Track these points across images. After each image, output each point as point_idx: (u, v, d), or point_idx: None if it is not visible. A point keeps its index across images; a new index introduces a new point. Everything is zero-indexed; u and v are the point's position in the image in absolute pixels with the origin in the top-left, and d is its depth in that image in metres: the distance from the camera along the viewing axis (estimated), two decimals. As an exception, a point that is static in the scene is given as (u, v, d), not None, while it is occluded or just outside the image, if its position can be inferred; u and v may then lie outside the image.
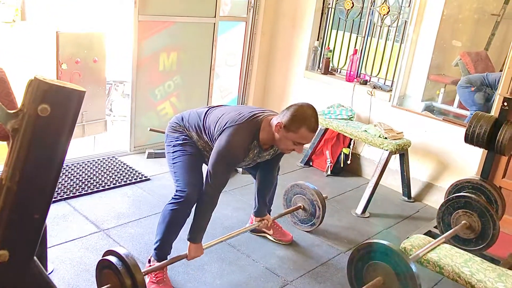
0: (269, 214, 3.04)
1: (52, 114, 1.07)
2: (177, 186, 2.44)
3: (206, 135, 2.41)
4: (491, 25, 3.74)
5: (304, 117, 2.18)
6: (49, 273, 2.42)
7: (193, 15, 4.12)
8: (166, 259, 2.51)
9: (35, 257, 1.26)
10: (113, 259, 1.95)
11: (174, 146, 2.49)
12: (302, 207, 3.08)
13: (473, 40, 4.10)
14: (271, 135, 2.27)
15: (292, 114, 2.18)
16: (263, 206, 2.79)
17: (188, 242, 2.40)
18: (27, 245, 1.22)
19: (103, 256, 2.04)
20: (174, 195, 2.44)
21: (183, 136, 2.50)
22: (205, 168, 2.40)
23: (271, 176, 2.72)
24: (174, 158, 2.47)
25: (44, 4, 4.65)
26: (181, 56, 4.17)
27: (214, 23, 4.27)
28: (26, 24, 4.50)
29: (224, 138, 2.23)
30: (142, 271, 2.03)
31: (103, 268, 2.00)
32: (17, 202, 1.13)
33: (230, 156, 2.25)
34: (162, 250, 2.49)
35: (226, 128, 2.26)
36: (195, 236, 2.39)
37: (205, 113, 2.45)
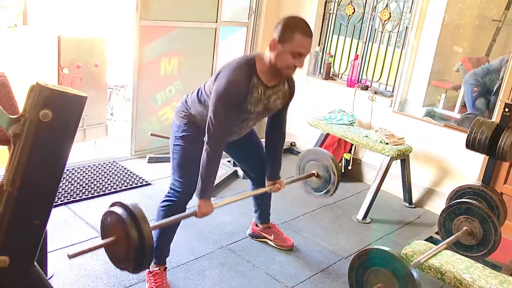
0: (268, 221, 3.04)
1: (54, 119, 1.07)
2: (172, 183, 2.45)
3: (207, 95, 2.32)
4: (492, 31, 3.74)
5: (294, 23, 2.13)
6: (49, 278, 2.41)
7: (194, 20, 4.13)
8: (165, 262, 2.51)
9: (35, 263, 1.25)
10: (119, 210, 1.79)
11: (175, 138, 2.44)
12: (316, 174, 2.85)
13: (474, 45, 4.11)
14: (268, 63, 2.19)
15: (282, 25, 2.14)
16: (275, 167, 2.64)
17: (197, 199, 2.30)
18: (28, 251, 1.22)
19: (108, 208, 1.89)
20: (168, 193, 2.46)
21: (184, 125, 2.42)
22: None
23: (280, 127, 2.61)
24: (174, 152, 2.44)
25: (46, 9, 4.66)
26: (183, 61, 4.17)
27: (216, 28, 4.27)
28: (28, 29, 4.51)
29: (221, 78, 2.17)
30: (151, 225, 1.83)
31: (108, 220, 1.85)
32: (18, 207, 1.13)
33: (230, 94, 2.15)
34: (160, 252, 2.48)
35: (222, 70, 2.22)
36: (204, 191, 2.28)
37: (203, 83, 2.43)
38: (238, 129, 2.40)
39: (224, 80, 2.14)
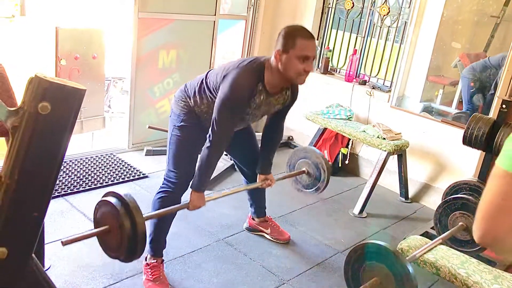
0: (265, 215, 3.05)
1: (52, 112, 1.07)
2: (166, 173, 2.47)
3: (208, 91, 2.34)
4: (490, 27, 3.74)
5: (294, 29, 2.18)
6: (46, 270, 2.42)
7: (193, 12, 4.11)
8: (162, 254, 2.52)
9: (33, 255, 1.26)
10: (112, 199, 1.80)
11: (173, 127, 2.44)
12: (306, 171, 2.87)
13: (472, 41, 4.11)
14: (276, 73, 2.22)
15: (282, 35, 2.18)
16: (267, 162, 2.68)
17: (191, 191, 2.32)
18: (26, 243, 1.22)
19: (102, 198, 1.90)
20: (162, 184, 2.47)
21: (183, 115, 2.42)
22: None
23: (278, 126, 2.65)
24: (170, 142, 2.46)
25: (44, 0, 4.63)
26: (181, 53, 4.16)
27: (214, 21, 4.26)
28: (26, 20, 4.48)
29: (228, 81, 2.18)
30: (144, 216, 1.85)
31: (101, 209, 1.86)
32: (16, 199, 1.13)
33: (235, 99, 2.18)
34: (156, 243, 2.49)
35: (230, 72, 2.22)
36: (199, 185, 2.31)
37: (207, 72, 2.43)
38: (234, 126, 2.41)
39: (231, 83, 2.17)
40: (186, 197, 2.46)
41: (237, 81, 2.17)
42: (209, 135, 2.25)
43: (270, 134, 2.65)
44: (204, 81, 2.38)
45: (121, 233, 1.74)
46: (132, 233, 1.74)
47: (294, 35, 2.14)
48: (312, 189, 2.89)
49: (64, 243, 1.70)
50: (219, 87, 2.24)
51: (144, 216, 1.84)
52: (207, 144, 2.25)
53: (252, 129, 2.77)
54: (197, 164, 2.33)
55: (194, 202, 2.31)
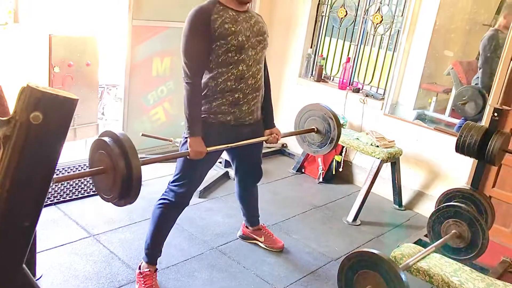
0: (258, 224, 3.04)
1: (45, 122, 1.07)
2: (171, 181, 2.43)
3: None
4: (482, 35, 3.78)
5: None
6: (38, 279, 2.40)
7: (187, 20, 4.11)
8: (156, 263, 2.51)
9: (23, 265, 1.25)
10: (107, 139, 1.72)
11: (184, 138, 2.37)
12: (315, 129, 2.74)
13: (464, 50, 4.14)
14: None
15: None
16: (268, 115, 2.60)
17: (188, 139, 2.26)
18: (16, 253, 1.21)
19: (98, 136, 1.82)
20: (165, 192, 2.44)
21: None
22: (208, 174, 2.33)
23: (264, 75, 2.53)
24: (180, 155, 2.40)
25: (38, 7, 4.63)
26: (175, 61, 4.16)
27: (208, 29, 4.26)
28: (19, 27, 4.47)
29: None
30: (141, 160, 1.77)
31: (97, 150, 1.77)
32: (7, 209, 1.12)
33: (193, 22, 2.18)
34: (152, 251, 2.48)
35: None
36: (192, 128, 2.24)
37: None
38: (245, 65, 2.31)
39: (188, 17, 2.20)
40: (186, 212, 2.46)
41: (192, 12, 2.21)
42: (182, 74, 2.23)
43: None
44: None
45: (116, 173, 1.67)
46: (127, 173, 1.66)
47: None
48: (327, 145, 2.76)
49: (56, 180, 1.61)
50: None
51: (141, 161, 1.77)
52: (184, 85, 2.23)
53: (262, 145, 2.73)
54: (184, 108, 2.26)
55: (193, 147, 2.22)
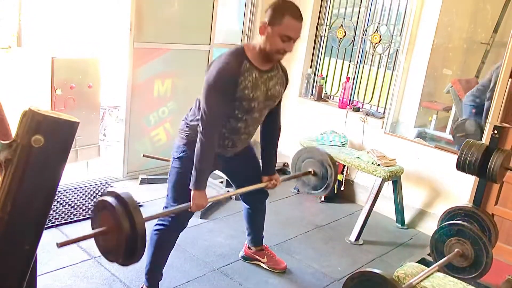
0: (262, 244, 3.02)
1: (46, 145, 1.08)
2: (165, 206, 2.44)
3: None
4: (480, 53, 3.82)
5: (285, 6, 2.15)
6: (39, 302, 2.37)
7: (188, 42, 4.17)
8: (157, 286, 2.49)
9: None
10: (110, 199, 1.71)
11: (173, 159, 2.41)
12: (312, 172, 2.77)
13: (463, 68, 4.18)
14: (258, 48, 2.20)
15: (272, 8, 2.16)
16: (271, 162, 2.63)
17: (191, 190, 2.24)
18: (17, 276, 1.21)
19: (99, 197, 1.82)
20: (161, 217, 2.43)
21: (183, 145, 2.38)
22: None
23: (275, 121, 2.57)
24: (170, 174, 2.42)
25: (40, 30, 4.69)
26: (176, 82, 4.20)
27: (209, 50, 4.31)
28: (22, 50, 4.53)
29: (211, 69, 2.17)
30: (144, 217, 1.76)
31: (99, 211, 1.77)
32: (8, 232, 1.13)
33: (220, 80, 2.13)
34: (152, 275, 2.46)
35: (211, 65, 2.22)
36: (198, 182, 2.23)
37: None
38: (244, 125, 2.34)
39: (213, 69, 2.15)
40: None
41: (220, 65, 2.15)
42: (199, 125, 2.20)
43: (269, 132, 2.60)
44: (198, 101, 2.35)
45: (120, 234, 1.65)
46: (131, 233, 1.65)
47: (283, 12, 2.12)
48: (321, 189, 2.79)
49: (60, 245, 1.63)
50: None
51: (144, 217, 1.76)
52: (198, 135, 2.20)
53: (254, 152, 2.72)
54: (194, 160, 2.24)
55: (196, 200, 2.22)
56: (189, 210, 2.24)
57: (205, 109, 2.16)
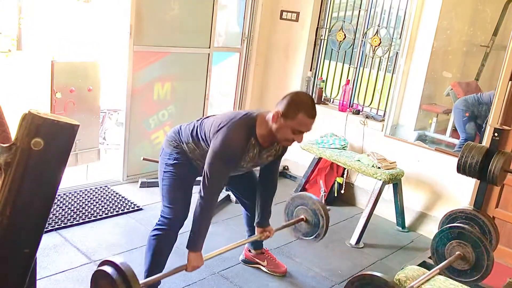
0: (262, 247, 3.01)
1: (45, 148, 1.07)
2: (162, 210, 2.45)
3: (202, 141, 2.33)
4: (480, 56, 3.82)
5: (301, 102, 2.15)
6: (38, 306, 2.36)
7: (188, 45, 4.17)
8: (156, 292, 2.48)
9: (24, 292, 1.24)
10: (108, 269, 1.82)
11: (166, 165, 2.44)
12: (304, 219, 2.86)
13: (463, 71, 4.18)
14: (268, 129, 2.21)
15: (288, 101, 2.15)
16: (265, 214, 2.65)
17: (187, 251, 2.27)
18: (16, 280, 1.20)
19: (98, 267, 1.92)
20: (158, 221, 2.46)
21: (175, 154, 2.43)
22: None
23: (272, 177, 2.63)
24: (164, 179, 2.44)
25: (40, 34, 4.70)
26: (176, 85, 4.20)
27: (209, 54, 4.32)
28: (22, 54, 4.53)
29: (219, 137, 2.18)
30: (140, 282, 1.86)
31: (98, 280, 1.88)
32: (8, 236, 1.12)
33: (227, 154, 2.18)
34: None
35: (221, 127, 2.21)
36: (195, 244, 2.26)
37: (201, 121, 2.43)
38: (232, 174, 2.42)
39: (223, 139, 2.17)
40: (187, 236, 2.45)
41: (229, 137, 2.17)
42: (200, 190, 2.23)
43: (265, 186, 2.64)
44: (198, 127, 2.38)
45: None
46: None
47: (298, 108, 2.13)
48: (312, 237, 2.88)
49: None
50: (211, 141, 2.24)
51: (141, 283, 1.86)
52: (198, 200, 2.23)
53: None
54: (192, 222, 2.28)
55: (192, 262, 2.26)
56: (185, 271, 2.28)
57: (207, 174, 2.20)
